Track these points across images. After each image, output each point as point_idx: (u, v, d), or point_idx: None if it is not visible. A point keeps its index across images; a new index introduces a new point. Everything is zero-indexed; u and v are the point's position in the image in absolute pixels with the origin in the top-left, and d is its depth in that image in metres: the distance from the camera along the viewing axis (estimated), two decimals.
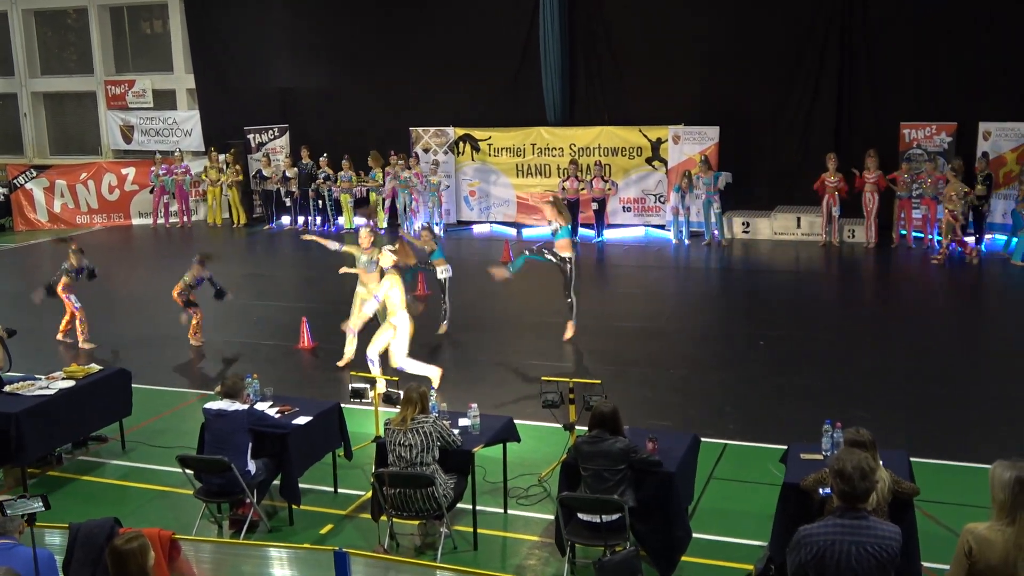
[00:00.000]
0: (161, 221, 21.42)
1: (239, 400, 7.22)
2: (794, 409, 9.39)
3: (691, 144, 18.24)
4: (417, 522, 7.02)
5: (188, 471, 7.16)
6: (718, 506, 7.44)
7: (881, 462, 5.71)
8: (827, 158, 16.91)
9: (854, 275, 15.95)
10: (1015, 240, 15.60)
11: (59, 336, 12.36)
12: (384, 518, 6.88)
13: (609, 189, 18.40)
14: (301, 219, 20.52)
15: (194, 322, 12.08)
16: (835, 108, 17.78)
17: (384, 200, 19.55)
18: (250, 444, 7.15)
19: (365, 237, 11.02)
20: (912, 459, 6.60)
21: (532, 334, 12.32)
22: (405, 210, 19.17)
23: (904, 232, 16.88)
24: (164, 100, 23.72)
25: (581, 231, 18.61)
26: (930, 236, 16.53)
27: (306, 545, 6.61)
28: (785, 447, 6.93)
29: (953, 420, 9.12)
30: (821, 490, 5.61)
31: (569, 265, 11.45)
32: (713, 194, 17.44)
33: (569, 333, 11.77)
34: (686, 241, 17.82)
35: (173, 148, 22.43)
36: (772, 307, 13.54)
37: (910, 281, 15.12)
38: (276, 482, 7.47)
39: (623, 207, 19.10)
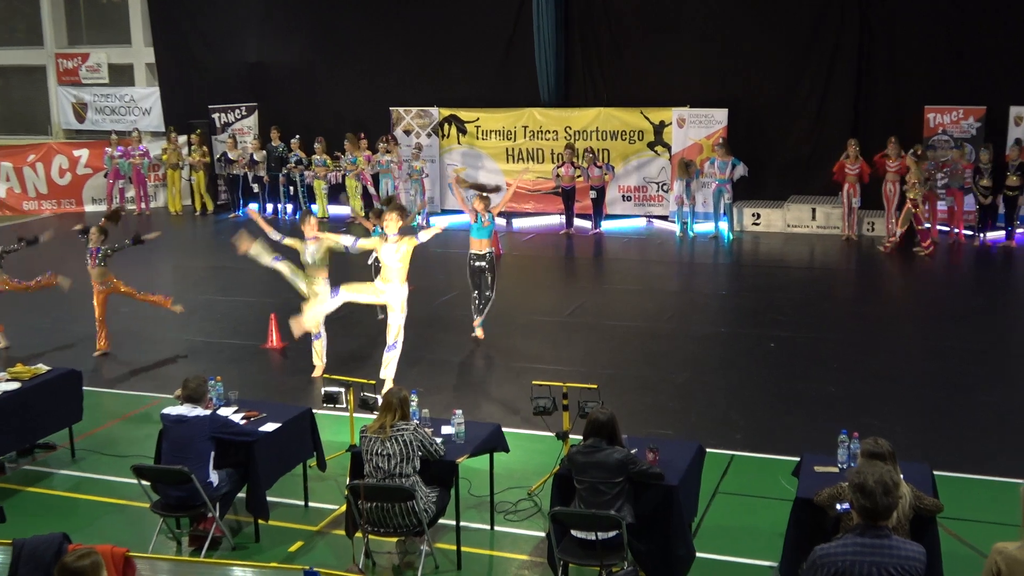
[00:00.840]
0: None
1: (201, 405, 7.18)
2: (806, 417, 9.41)
3: (697, 128, 18.26)
4: (395, 539, 7.00)
5: (144, 482, 7.12)
6: (724, 523, 7.45)
7: (902, 475, 5.71)
8: (848, 144, 16.91)
9: (872, 271, 15.96)
10: None
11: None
12: (359, 535, 6.85)
13: (606, 175, 18.37)
14: (270, 206, 20.44)
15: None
16: (853, 90, 17.79)
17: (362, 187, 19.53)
18: (213, 453, 7.12)
19: (311, 225, 10.47)
20: (935, 472, 6.62)
21: (522, 335, 12.31)
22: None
23: (928, 225, 16.91)
24: (121, 75, 23.63)
25: (577, 222, 18.62)
26: (955, 230, 16.59)
27: (273, 564, 6.58)
28: (796, 458, 6.94)
29: (977, 430, 9.13)
30: (838, 506, 5.61)
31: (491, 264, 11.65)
32: (726, 182, 17.43)
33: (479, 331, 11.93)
34: (691, 233, 17.84)
35: (130, 128, 22.32)
36: (784, 306, 13.54)
37: (933, 278, 15.18)
38: (241, 495, 7.44)
39: (623, 196, 19.12)
